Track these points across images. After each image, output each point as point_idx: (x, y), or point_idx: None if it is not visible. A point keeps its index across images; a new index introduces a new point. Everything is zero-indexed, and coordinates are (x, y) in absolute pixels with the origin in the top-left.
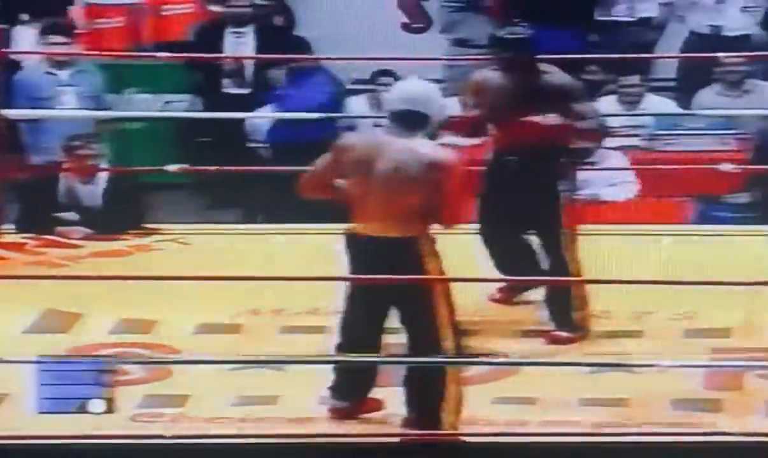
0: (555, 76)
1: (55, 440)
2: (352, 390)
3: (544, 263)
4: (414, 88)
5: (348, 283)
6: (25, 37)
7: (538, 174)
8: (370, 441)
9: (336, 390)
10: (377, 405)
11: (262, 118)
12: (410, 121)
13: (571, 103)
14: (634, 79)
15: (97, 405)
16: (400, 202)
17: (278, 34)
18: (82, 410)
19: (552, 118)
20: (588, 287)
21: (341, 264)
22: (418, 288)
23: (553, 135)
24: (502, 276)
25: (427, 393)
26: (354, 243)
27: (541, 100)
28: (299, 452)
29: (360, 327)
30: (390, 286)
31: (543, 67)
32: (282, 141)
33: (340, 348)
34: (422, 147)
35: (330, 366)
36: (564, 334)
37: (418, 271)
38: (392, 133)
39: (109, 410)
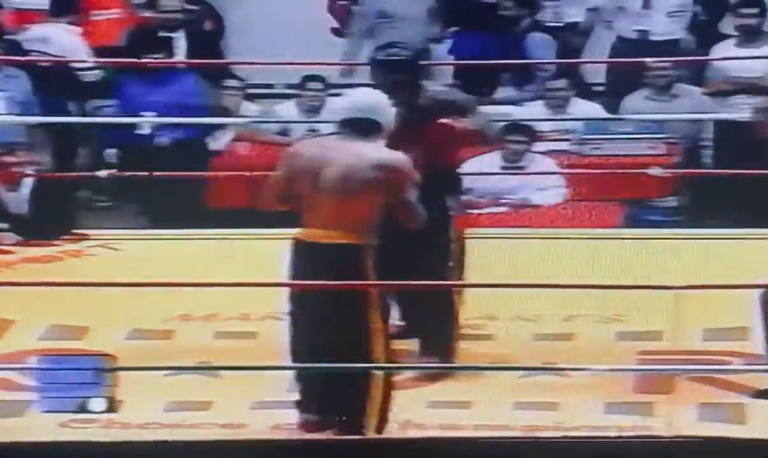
0: (438, 94)
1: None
2: (318, 403)
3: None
4: (366, 97)
5: (292, 291)
6: None
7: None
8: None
9: (303, 403)
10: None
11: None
12: (363, 128)
13: (456, 117)
14: (561, 83)
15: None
16: (348, 207)
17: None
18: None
19: (435, 137)
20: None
21: (273, 269)
22: (354, 295)
23: (439, 154)
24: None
25: (354, 397)
26: (299, 249)
27: (425, 120)
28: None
29: (306, 335)
30: (326, 293)
31: (425, 86)
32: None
33: (295, 357)
34: (374, 151)
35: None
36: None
37: (356, 278)
38: (343, 140)
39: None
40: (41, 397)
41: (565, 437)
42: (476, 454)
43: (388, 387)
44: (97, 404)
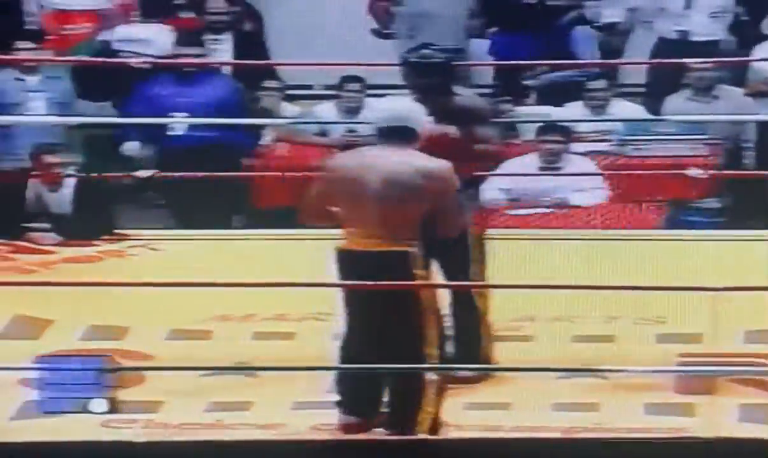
0: (466, 99)
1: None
2: (362, 405)
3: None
4: (401, 105)
5: (345, 297)
6: None
7: None
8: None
9: (345, 404)
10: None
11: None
12: (400, 136)
13: (477, 125)
14: (601, 83)
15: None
16: (396, 215)
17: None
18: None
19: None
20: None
21: (313, 270)
22: (407, 300)
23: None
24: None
25: (407, 399)
26: (346, 258)
27: (453, 123)
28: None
29: (359, 340)
30: (384, 298)
31: (456, 91)
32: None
33: (344, 361)
34: (419, 159)
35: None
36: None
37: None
38: (383, 149)
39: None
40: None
41: (604, 438)
42: (513, 456)
43: (441, 389)
44: (100, 404)
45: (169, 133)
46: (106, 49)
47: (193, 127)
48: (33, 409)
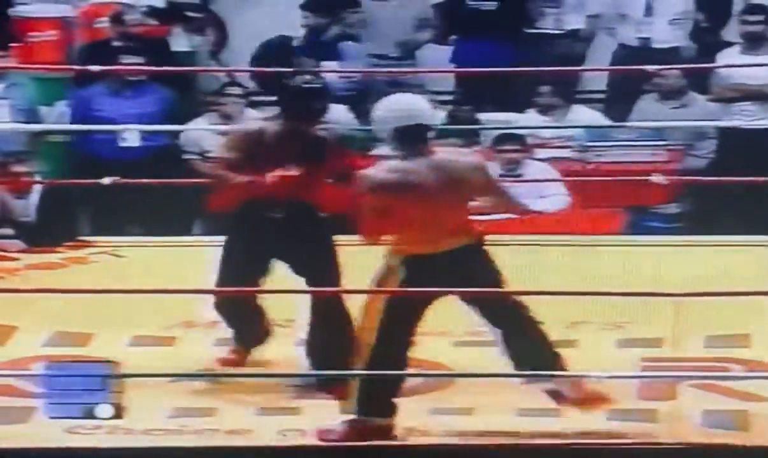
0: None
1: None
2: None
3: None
4: (410, 103)
5: (386, 302)
6: None
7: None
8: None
9: (364, 405)
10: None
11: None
12: (417, 134)
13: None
14: (560, 90)
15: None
16: (457, 212)
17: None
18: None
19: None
20: None
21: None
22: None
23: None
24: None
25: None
26: (418, 263)
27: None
28: None
29: (399, 341)
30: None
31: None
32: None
33: (376, 364)
34: (457, 155)
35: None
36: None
37: (493, 272)
38: (398, 150)
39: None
40: (47, 403)
41: (569, 444)
42: None
43: None
44: (103, 410)
45: (121, 143)
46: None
47: (145, 135)
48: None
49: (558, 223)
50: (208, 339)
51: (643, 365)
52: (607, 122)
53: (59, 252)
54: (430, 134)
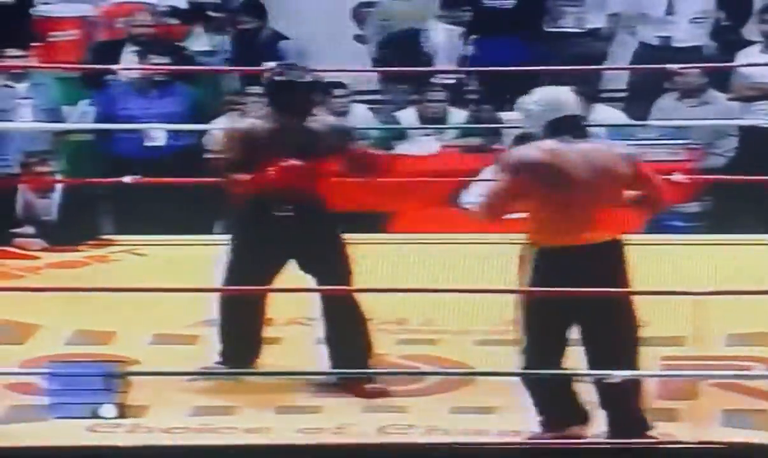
0: (323, 121)
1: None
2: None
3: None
4: (560, 95)
5: (527, 299)
6: None
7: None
8: None
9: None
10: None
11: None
12: (567, 126)
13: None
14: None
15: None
16: (607, 204)
17: None
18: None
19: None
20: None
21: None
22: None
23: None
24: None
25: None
26: (551, 255)
27: (310, 145)
28: None
29: (546, 343)
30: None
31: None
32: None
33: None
34: (606, 146)
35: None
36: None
37: (623, 274)
38: (567, 142)
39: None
40: (60, 403)
41: (586, 442)
42: None
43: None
44: (110, 410)
45: (147, 142)
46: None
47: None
48: (22, 414)
49: None
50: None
51: (663, 363)
52: (629, 121)
53: (81, 250)
54: (580, 125)
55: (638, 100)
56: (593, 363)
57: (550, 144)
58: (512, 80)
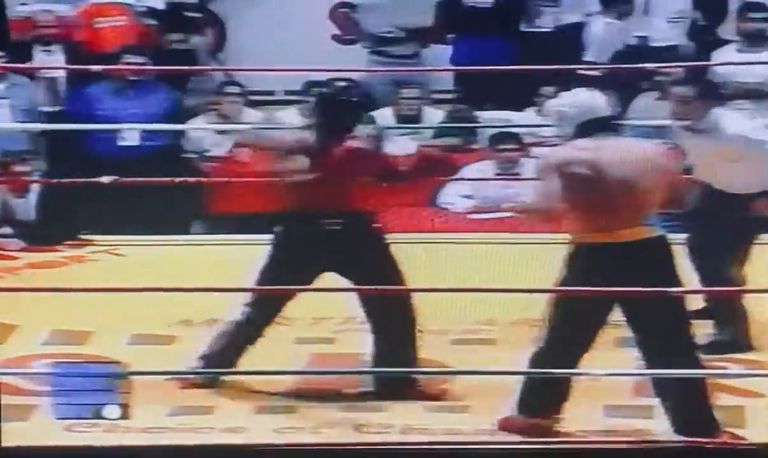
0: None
1: None
2: (543, 403)
3: None
4: (590, 97)
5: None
6: None
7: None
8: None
9: (525, 403)
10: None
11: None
12: (598, 127)
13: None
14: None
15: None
16: (646, 202)
17: None
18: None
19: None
20: None
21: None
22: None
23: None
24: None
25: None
26: (594, 251)
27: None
28: None
29: (577, 338)
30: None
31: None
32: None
33: (547, 360)
34: (642, 144)
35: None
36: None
37: (670, 272)
38: (605, 140)
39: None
40: (52, 403)
41: (567, 441)
42: None
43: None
44: (111, 411)
45: (120, 141)
46: None
47: (145, 134)
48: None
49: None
50: (208, 338)
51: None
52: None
53: (59, 251)
54: (611, 126)
55: (616, 99)
56: (649, 363)
57: (587, 142)
58: (491, 80)
